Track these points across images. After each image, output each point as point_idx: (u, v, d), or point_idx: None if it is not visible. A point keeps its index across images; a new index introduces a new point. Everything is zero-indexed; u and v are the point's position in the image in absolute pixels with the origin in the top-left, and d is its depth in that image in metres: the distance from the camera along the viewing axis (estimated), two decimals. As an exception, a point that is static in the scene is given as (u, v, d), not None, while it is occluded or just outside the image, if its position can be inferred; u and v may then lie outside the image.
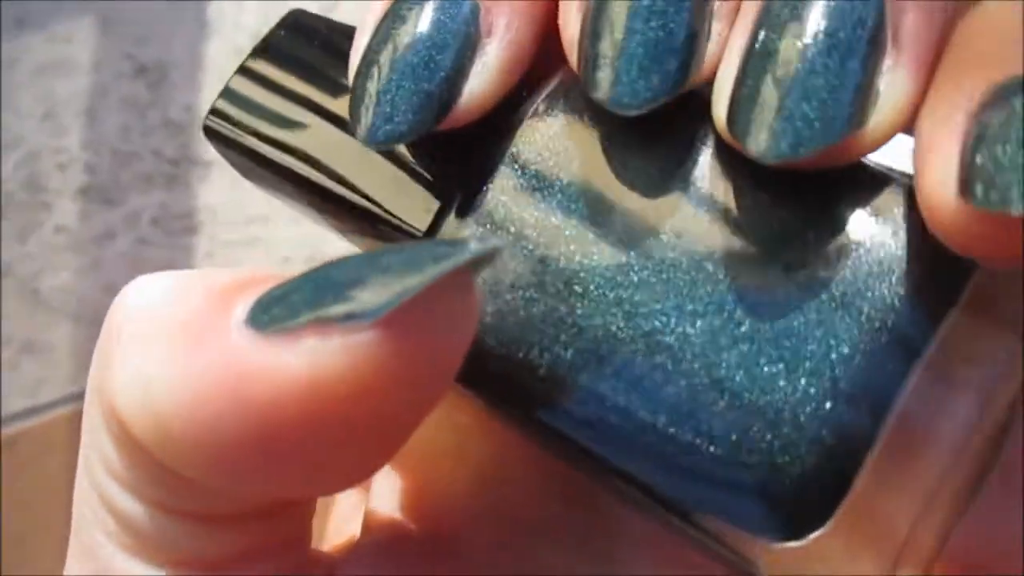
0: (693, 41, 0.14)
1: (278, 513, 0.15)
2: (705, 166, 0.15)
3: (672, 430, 0.14)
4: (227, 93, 0.17)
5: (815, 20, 0.14)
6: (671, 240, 0.14)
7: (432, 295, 0.12)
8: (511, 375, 0.15)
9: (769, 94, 0.14)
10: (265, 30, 0.18)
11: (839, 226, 0.14)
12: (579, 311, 0.15)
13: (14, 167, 0.67)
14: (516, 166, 0.15)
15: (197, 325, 0.13)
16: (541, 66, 0.16)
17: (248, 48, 0.18)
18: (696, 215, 0.15)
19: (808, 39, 0.14)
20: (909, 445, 0.14)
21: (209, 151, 0.69)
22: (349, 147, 0.16)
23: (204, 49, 0.68)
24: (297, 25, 0.18)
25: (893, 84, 0.14)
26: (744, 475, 0.14)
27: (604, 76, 0.14)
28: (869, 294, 0.14)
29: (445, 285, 0.12)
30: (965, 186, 0.13)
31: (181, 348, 0.12)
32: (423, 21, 0.15)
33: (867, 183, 0.14)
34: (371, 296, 0.12)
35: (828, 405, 0.13)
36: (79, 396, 0.59)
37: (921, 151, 0.14)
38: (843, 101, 0.13)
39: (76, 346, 0.63)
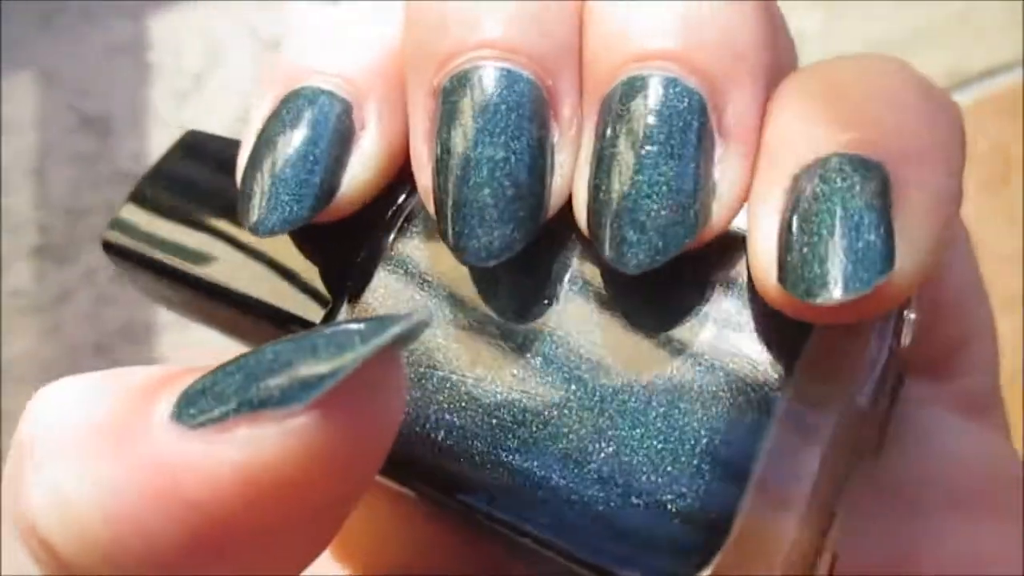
0: (539, 188, 0.15)
1: None
2: (569, 263, 0.16)
3: (566, 483, 0.15)
4: (119, 221, 0.18)
5: (648, 130, 0.15)
6: (545, 318, 0.16)
7: (362, 374, 0.12)
8: (409, 452, 0.15)
9: (621, 206, 0.15)
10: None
11: (694, 298, 0.16)
12: (473, 386, 0.15)
13: (-36, 234, 0.66)
14: (397, 262, 0.16)
15: (115, 428, 0.12)
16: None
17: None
18: (565, 306, 0.16)
19: (645, 151, 0.15)
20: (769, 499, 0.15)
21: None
22: (242, 260, 0.17)
23: (147, 95, 0.67)
24: (189, 146, 0.19)
25: (726, 173, 0.15)
26: (636, 517, 0.15)
27: (457, 231, 0.15)
28: (727, 355, 0.15)
29: (375, 363, 0.12)
30: (782, 274, 0.14)
31: (100, 454, 0.12)
32: (301, 122, 0.16)
33: (716, 249, 0.16)
34: (301, 379, 0.12)
35: (704, 441, 0.15)
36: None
37: (750, 233, 0.15)
38: (689, 205, 0.15)
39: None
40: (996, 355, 0.20)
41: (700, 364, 0.15)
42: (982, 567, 0.17)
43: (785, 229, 0.14)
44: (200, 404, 0.12)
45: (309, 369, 0.12)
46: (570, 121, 0.16)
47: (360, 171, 0.16)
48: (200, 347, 0.65)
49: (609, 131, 0.15)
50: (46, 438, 0.13)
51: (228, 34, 0.67)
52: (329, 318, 0.17)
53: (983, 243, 0.21)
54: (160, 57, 0.67)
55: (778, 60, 0.16)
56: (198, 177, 0.18)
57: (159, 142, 0.72)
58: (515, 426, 0.15)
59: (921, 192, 0.14)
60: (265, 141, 0.16)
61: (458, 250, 0.15)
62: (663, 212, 0.14)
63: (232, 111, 0.65)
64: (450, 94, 0.15)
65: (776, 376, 0.15)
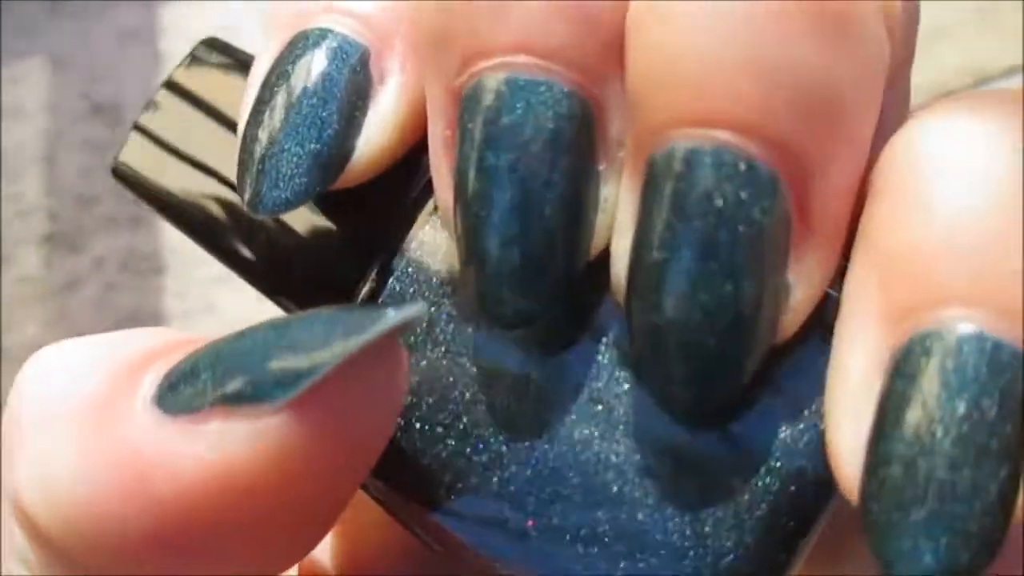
0: (577, 240, 0.12)
1: None
2: (608, 307, 0.13)
3: (581, 543, 0.13)
4: (133, 141, 0.16)
5: (701, 238, 0.11)
6: (573, 365, 0.13)
7: (349, 371, 0.11)
8: (403, 482, 0.13)
9: (665, 336, 0.12)
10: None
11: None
12: (485, 437, 0.13)
13: (-28, 219, 0.66)
14: (428, 241, 0.14)
15: (99, 405, 0.11)
16: None
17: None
18: (595, 358, 0.13)
19: (697, 268, 0.11)
20: None
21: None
22: (252, 227, 0.15)
23: (158, 82, 0.66)
24: (211, 48, 0.17)
25: (803, 275, 0.12)
26: None
27: (481, 291, 0.12)
28: (769, 455, 0.13)
29: (365, 358, 0.11)
30: (863, 505, 0.11)
31: (82, 433, 0.11)
32: (310, 74, 0.13)
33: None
34: (276, 375, 0.11)
35: (731, 544, 0.13)
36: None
37: (829, 412, 0.12)
38: (751, 330, 0.12)
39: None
40: None
41: (740, 466, 0.13)
42: None
43: (872, 453, 0.11)
44: (180, 388, 0.11)
45: (285, 363, 0.11)
46: (618, 142, 0.12)
47: (377, 135, 0.13)
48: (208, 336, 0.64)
49: (653, 217, 0.12)
50: (32, 411, 0.12)
51: (240, 21, 0.66)
52: (351, 297, 0.14)
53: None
54: (171, 44, 0.67)
55: (891, 96, 0.12)
56: (206, 116, 0.16)
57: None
58: (523, 494, 0.13)
59: None
60: (268, 96, 0.14)
61: (482, 312, 0.13)
62: (712, 343, 0.11)
63: (243, 100, 0.65)
64: (473, 110, 0.12)
65: (819, 494, 0.13)
